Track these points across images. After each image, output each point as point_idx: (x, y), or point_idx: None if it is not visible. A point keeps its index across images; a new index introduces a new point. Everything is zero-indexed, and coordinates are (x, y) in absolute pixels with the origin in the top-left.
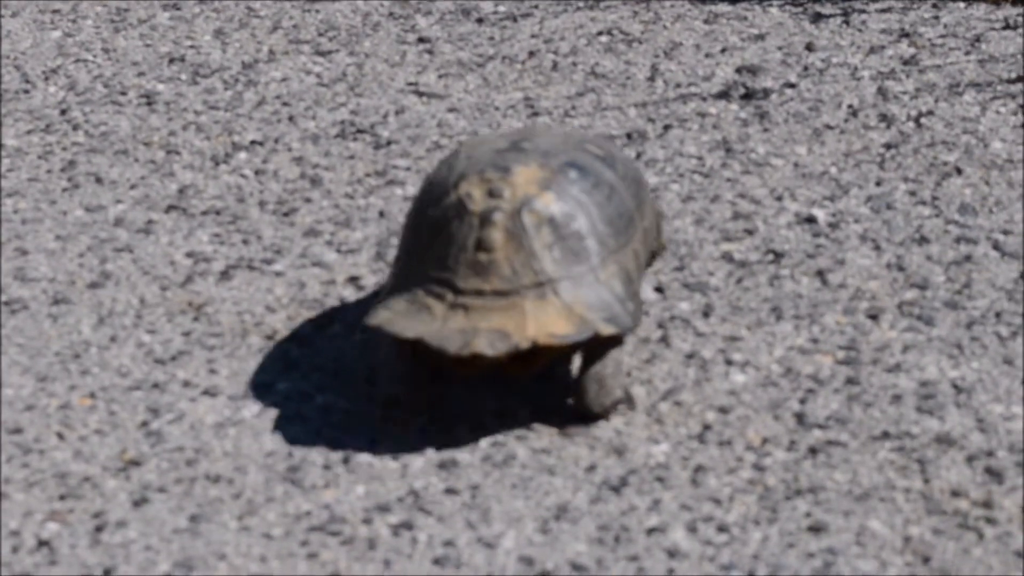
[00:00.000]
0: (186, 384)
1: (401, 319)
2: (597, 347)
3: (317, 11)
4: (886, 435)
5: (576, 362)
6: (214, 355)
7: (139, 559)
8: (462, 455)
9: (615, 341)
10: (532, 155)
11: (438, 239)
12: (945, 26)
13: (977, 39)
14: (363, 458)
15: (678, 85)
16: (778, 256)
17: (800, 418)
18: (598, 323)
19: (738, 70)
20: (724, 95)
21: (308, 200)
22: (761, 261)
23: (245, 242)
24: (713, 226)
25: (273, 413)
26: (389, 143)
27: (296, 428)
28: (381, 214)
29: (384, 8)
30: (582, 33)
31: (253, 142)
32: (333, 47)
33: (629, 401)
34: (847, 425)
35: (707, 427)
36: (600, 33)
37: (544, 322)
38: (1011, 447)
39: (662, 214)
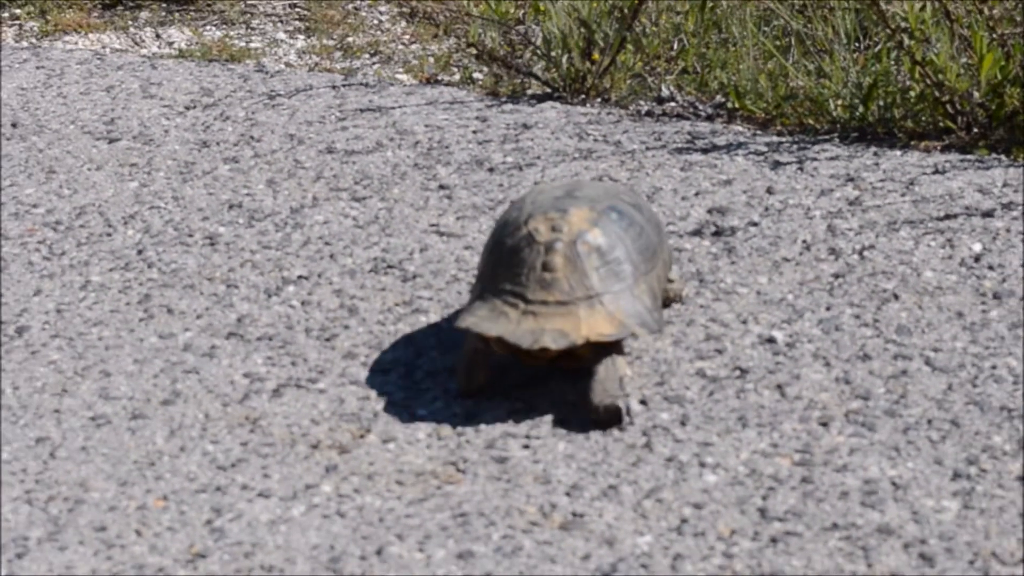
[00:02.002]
0: (244, 487)
1: (484, 322)
2: (603, 353)
3: (354, 163)
4: (835, 526)
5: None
6: (267, 462)
7: None
8: (478, 547)
9: (617, 348)
10: (583, 201)
11: (512, 262)
12: (884, 171)
13: (911, 182)
14: (393, 550)
15: None
16: (743, 372)
17: (763, 512)
18: (634, 326)
19: (709, 211)
20: (697, 232)
21: (347, 327)
22: (729, 376)
23: (293, 364)
24: (689, 346)
25: (318, 512)
26: (415, 276)
27: (337, 525)
28: (408, 339)
29: (410, 160)
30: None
31: (300, 277)
32: (367, 193)
33: (626, 411)
34: (802, 518)
35: (684, 520)
36: (592, 179)
37: (593, 325)
38: (941, 535)
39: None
